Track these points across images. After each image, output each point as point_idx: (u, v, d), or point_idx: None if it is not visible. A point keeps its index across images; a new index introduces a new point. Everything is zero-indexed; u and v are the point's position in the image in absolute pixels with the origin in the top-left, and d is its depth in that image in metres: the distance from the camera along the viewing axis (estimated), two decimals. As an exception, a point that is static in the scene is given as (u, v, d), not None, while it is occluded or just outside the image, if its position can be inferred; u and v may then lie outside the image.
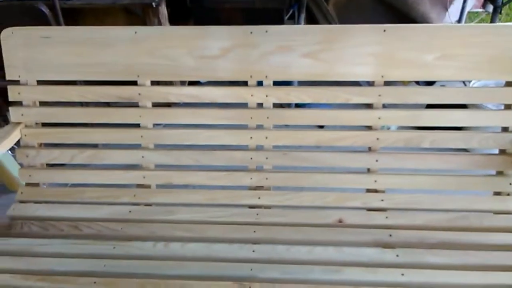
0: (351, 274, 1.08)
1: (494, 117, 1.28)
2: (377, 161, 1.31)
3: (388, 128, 1.54)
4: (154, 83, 1.34)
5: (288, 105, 2.11)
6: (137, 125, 1.34)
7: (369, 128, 1.31)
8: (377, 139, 1.30)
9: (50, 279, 1.09)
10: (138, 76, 1.31)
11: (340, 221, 1.26)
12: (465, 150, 1.40)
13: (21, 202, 1.36)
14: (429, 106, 1.35)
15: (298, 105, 2.15)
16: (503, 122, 1.27)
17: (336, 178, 1.34)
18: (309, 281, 1.07)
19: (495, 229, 1.22)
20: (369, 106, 1.30)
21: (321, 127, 1.66)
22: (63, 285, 1.08)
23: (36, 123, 1.38)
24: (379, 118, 1.28)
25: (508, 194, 1.29)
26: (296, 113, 1.32)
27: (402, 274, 1.07)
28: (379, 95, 1.27)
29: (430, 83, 1.76)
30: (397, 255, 1.13)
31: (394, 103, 1.29)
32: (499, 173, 1.30)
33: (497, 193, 1.30)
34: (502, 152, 1.28)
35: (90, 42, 1.30)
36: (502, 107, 1.29)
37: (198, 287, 1.04)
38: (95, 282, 1.06)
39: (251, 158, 1.34)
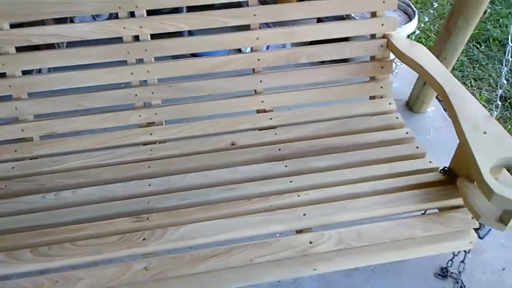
0: (245, 189, 1.13)
1: (362, 26, 1.35)
2: (261, 81, 1.34)
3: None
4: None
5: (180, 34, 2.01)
6: (2, 75, 1.23)
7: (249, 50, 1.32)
8: (258, 59, 1.32)
9: None
10: (-7, 19, 1.18)
11: (233, 144, 1.30)
12: (345, 60, 1.48)
13: None
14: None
15: (191, 34, 2.08)
16: (371, 30, 1.35)
17: (225, 104, 1.36)
18: (205, 202, 1.10)
19: (372, 129, 1.33)
20: (247, 27, 1.31)
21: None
22: None
23: None
24: (257, 39, 1.30)
25: (382, 97, 1.41)
26: (175, 42, 1.29)
27: (291, 181, 1.15)
28: (254, 15, 1.27)
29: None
30: (286, 166, 1.21)
31: (272, 22, 1.31)
32: (372, 79, 1.40)
33: (372, 97, 1.41)
34: (372, 58, 1.38)
35: None
36: (369, 16, 1.36)
37: (93, 228, 1.03)
38: (-21, 242, 1.01)
39: (136, 95, 1.30)
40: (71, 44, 1.27)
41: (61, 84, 1.25)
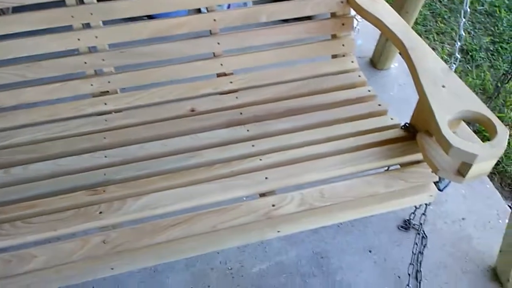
0: (206, 156, 1.10)
1: (321, -19, 1.30)
2: (219, 43, 1.29)
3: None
4: None
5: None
6: None
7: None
8: (214, 20, 1.26)
9: None
10: None
11: (193, 110, 1.25)
12: (308, 18, 1.42)
13: None
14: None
15: None
16: (331, -15, 1.30)
17: (183, 69, 1.30)
18: (165, 171, 1.06)
19: (335, 89, 1.30)
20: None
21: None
22: None
23: None
24: (210, -3, 1.23)
25: (344, 55, 1.37)
26: (123, 5, 1.21)
27: (253, 146, 1.12)
28: (207, -28, 1.21)
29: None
30: (248, 130, 1.17)
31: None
32: (333, 36, 1.36)
33: (334, 56, 1.38)
34: (333, 15, 1.34)
35: None
36: (329, -30, 1.31)
37: (47, 204, 0.98)
38: None
39: (85, 63, 1.22)
40: (17, 10, 1.16)
41: (3, 54, 1.16)
